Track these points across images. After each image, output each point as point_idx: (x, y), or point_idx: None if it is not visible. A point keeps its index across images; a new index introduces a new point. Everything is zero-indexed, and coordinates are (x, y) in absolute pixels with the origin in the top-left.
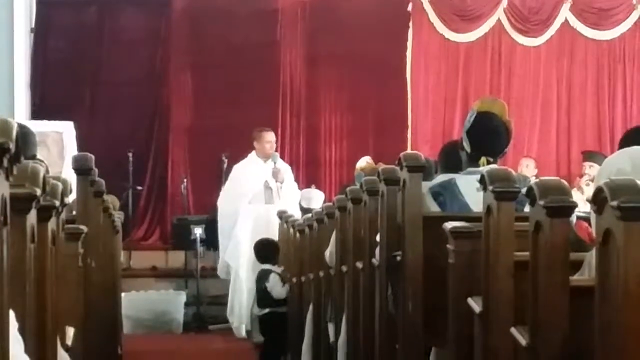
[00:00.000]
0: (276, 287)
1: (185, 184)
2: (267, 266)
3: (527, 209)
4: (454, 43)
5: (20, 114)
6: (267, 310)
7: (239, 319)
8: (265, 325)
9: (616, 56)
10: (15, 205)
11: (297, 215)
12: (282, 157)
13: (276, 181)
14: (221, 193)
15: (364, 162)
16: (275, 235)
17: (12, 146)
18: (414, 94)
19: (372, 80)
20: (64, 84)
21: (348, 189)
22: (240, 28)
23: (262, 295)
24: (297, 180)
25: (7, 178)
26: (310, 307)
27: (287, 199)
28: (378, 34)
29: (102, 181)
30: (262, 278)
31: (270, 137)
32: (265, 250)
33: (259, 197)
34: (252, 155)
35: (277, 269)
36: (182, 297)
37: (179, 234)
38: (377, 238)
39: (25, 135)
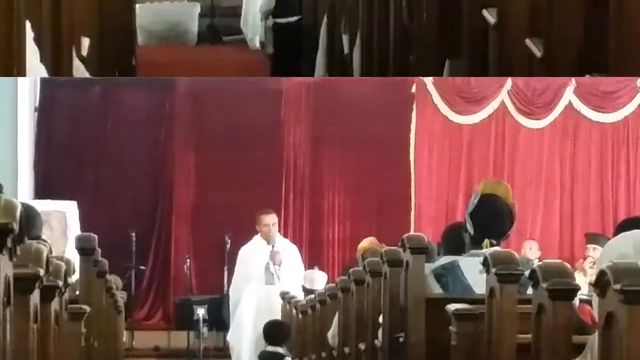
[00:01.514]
0: None
1: (188, 264)
2: (276, 349)
3: (529, 291)
4: (457, 125)
5: (24, 193)
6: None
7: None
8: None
9: (620, 139)
10: (19, 285)
11: (300, 296)
12: (285, 236)
13: (274, 264)
14: (234, 279)
15: (367, 242)
16: (277, 317)
17: (15, 227)
18: (417, 175)
19: (376, 161)
20: (67, 163)
21: (351, 270)
22: (245, 108)
23: None
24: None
25: (10, 258)
26: None
27: (288, 280)
28: (382, 114)
29: (105, 261)
30: None
31: (267, 220)
32: (276, 331)
33: (261, 279)
34: (257, 237)
35: (287, 352)
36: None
37: (181, 314)
38: (380, 319)
39: (31, 216)
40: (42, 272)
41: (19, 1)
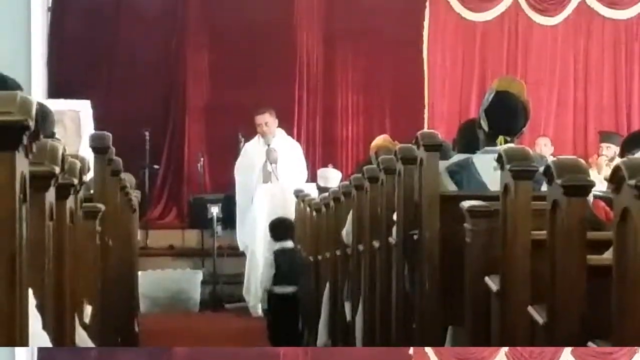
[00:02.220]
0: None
1: (202, 162)
2: (285, 244)
3: (544, 187)
4: (470, 22)
5: (38, 93)
6: (291, 288)
7: (255, 297)
8: (285, 304)
9: (633, 35)
10: (34, 183)
11: (309, 192)
12: (298, 134)
13: (270, 162)
14: (237, 163)
15: (380, 140)
16: (291, 214)
17: (31, 124)
18: (430, 73)
19: (389, 59)
20: (80, 62)
21: (365, 167)
22: (257, 6)
23: (286, 273)
24: (313, 159)
25: (26, 156)
26: (327, 285)
27: (287, 177)
28: (395, 12)
29: (120, 160)
30: (285, 255)
31: (260, 119)
32: (280, 228)
33: (259, 176)
34: (258, 135)
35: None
36: (199, 276)
37: (195, 213)
38: (394, 217)
39: (44, 113)
40: (57, 169)
41: (21, 268)
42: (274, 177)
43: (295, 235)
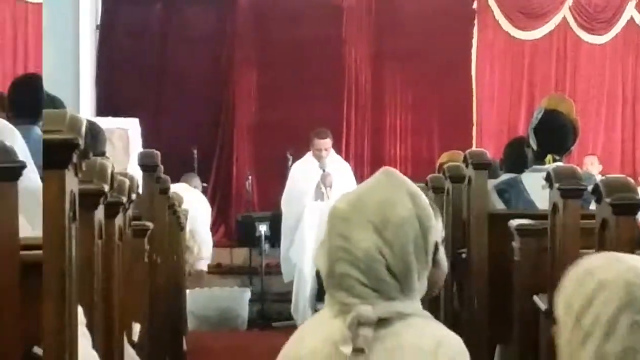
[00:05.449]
0: None
1: (250, 180)
2: None
3: (592, 206)
4: (519, 41)
5: (86, 111)
6: None
7: (303, 316)
8: None
9: None
10: (84, 201)
11: None
12: (346, 153)
13: (325, 186)
14: (284, 193)
15: (451, 154)
16: None
17: (81, 142)
18: (478, 92)
19: (438, 78)
20: (129, 80)
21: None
22: (306, 25)
23: None
24: (361, 177)
25: (76, 174)
26: None
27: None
28: (443, 31)
29: (168, 178)
30: None
31: (320, 145)
32: None
33: (311, 196)
34: (309, 154)
35: None
36: (247, 294)
37: (243, 231)
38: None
39: (95, 132)
40: (106, 188)
41: (71, 286)
42: (326, 198)
43: None
